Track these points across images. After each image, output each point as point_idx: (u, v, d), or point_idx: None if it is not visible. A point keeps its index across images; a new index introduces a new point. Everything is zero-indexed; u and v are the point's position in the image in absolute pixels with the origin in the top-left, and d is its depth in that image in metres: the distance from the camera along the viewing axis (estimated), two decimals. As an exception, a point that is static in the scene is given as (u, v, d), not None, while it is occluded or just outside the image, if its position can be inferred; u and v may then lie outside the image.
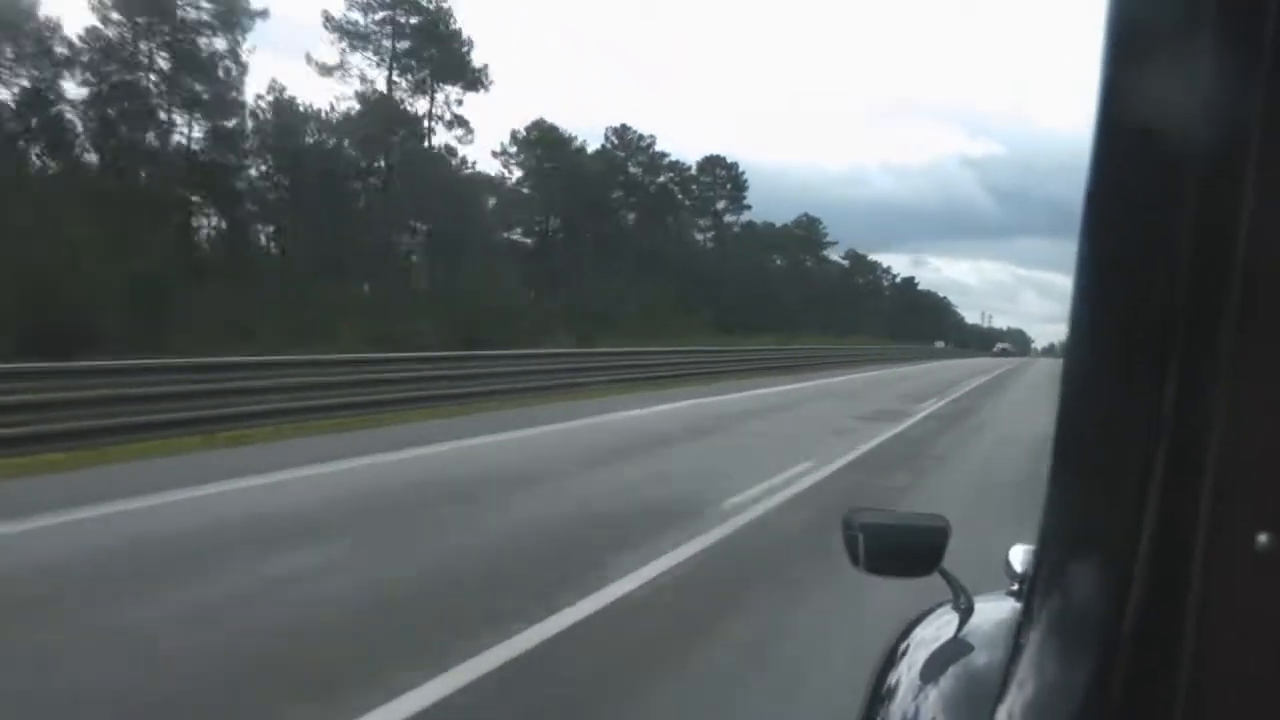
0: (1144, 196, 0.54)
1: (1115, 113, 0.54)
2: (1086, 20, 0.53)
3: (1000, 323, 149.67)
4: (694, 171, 63.06)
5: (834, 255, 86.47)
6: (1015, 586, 1.45)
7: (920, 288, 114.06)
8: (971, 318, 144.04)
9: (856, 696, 1.42)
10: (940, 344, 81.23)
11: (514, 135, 49.16)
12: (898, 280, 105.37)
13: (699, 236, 62.51)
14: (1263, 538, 0.49)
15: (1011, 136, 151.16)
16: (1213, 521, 0.50)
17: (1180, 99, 0.51)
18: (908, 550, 1.42)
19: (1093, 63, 0.54)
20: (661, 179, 59.02)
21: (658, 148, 57.92)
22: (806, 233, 75.85)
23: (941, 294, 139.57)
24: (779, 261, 75.36)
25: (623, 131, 57.69)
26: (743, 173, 64.64)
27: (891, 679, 1.36)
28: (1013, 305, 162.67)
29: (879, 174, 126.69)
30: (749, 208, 65.47)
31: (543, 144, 49.57)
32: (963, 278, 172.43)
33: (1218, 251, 0.49)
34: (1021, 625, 0.64)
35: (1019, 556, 1.49)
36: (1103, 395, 0.57)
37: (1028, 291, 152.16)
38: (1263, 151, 0.48)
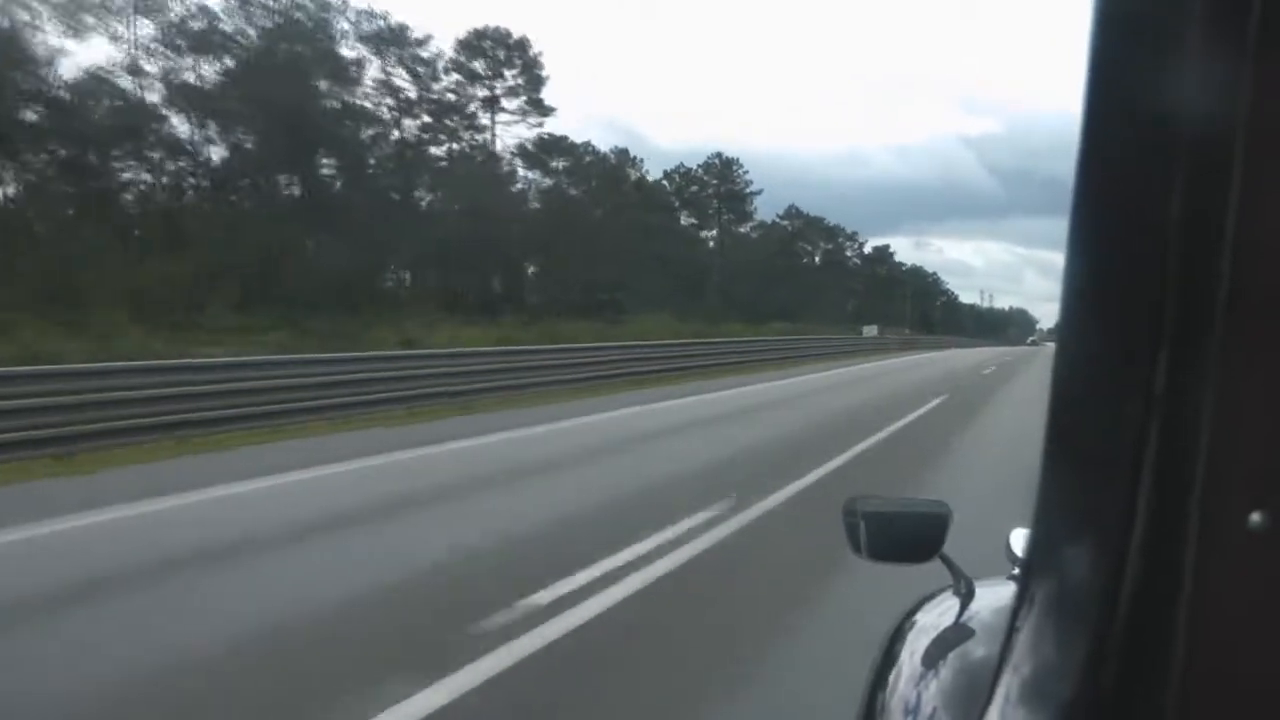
0: (1133, 177, 0.53)
1: (1104, 96, 0.54)
2: (1080, -1, 0.50)
3: (1002, 303, 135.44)
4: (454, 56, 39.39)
5: (771, 216, 69.03)
6: (1016, 570, 1.43)
7: (898, 259, 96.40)
8: (969, 298, 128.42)
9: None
10: (872, 331, 54.70)
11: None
12: (866, 252, 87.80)
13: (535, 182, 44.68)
14: (1256, 516, 0.50)
15: (1009, 114, 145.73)
16: (1206, 500, 0.51)
17: (1168, 82, 0.51)
18: (909, 536, 1.42)
19: (1085, 41, 0.53)
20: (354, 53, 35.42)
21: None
22: (719, 179, 57.75)
23: (931, 270, 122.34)
24: (687, 219, 57.61)
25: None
26: (538, 55, 42.86)
27: (892, 665, 1.37)
28: (1016, 285, 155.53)
29: (879, 155, 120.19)
30: (551, 111, 43.85)
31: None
32: (966, 258, 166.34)
33: (1207, 232, 0.50)
34: (1017, 607, 0.64)
35: (1020, 540, 1.50)
36: (1096, 376, 0.57)
37: (1030, 271, 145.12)
38: (1251, 132, 0.48)
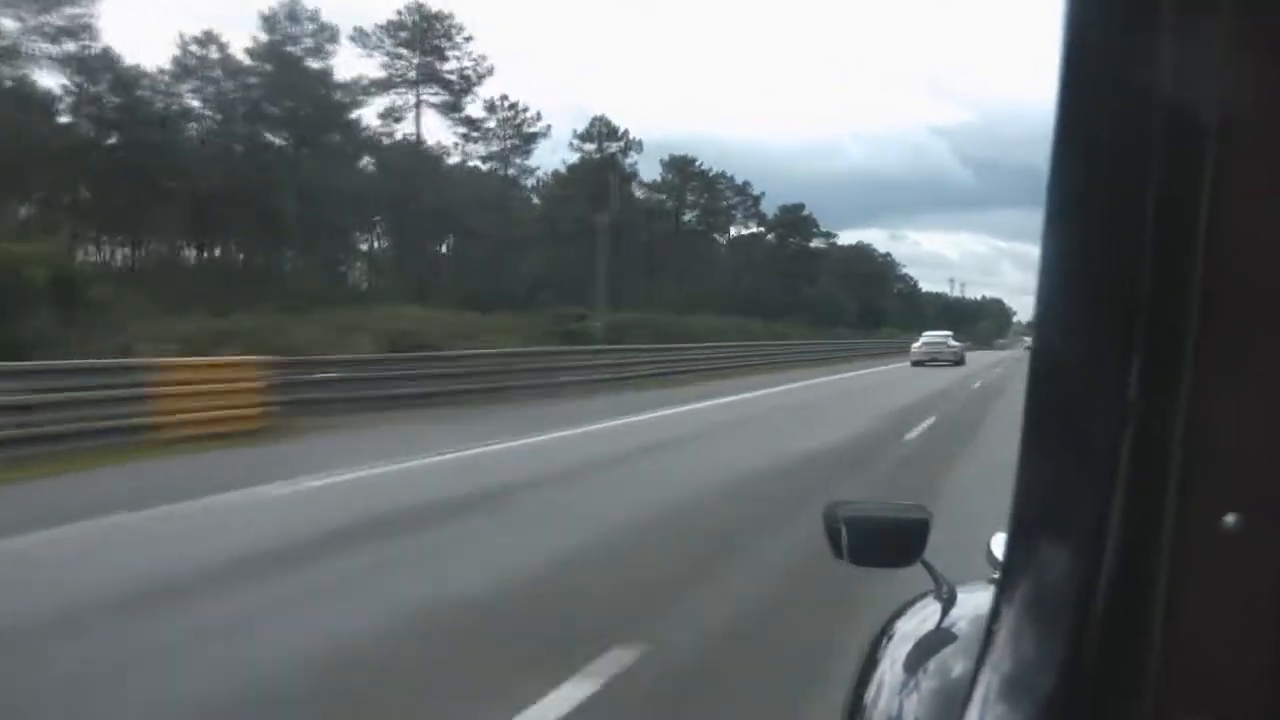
0: (1107, 180, 0.54)
1: (1078, 87, 0.54)
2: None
3: (974, 293, 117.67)
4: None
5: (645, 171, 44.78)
6: (997, 575, 1.45)
7: (823, 229, 71.97)
8: (940, 288, 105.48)
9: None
10: None
11: None
12: (769, 216, 63.35)
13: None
14: (1229, 518, 0.50)
15: (980, 103, 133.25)
16: (1181, 503, 0.51)
17: (1143, 73, 0.51)
18: (890, 541, 1.43)
19: (1059, 30, 0.52)
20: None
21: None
22: (415, 48, 30.89)
23: (883, 251, 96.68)
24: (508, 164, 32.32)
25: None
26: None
27: (874, 672, 1.37)
28: (994, 278, 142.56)
29: (850, 145, 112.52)
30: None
31: None
32: (942, 251, 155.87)
33: (1180, 235, 0.50)
34: (996, 610, 0.64)
35: (1001, 545, 1.50)
36: (1070, 379, 0.57)
37: (1007, 263, 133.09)
38: (1222, 133, 0.49)
